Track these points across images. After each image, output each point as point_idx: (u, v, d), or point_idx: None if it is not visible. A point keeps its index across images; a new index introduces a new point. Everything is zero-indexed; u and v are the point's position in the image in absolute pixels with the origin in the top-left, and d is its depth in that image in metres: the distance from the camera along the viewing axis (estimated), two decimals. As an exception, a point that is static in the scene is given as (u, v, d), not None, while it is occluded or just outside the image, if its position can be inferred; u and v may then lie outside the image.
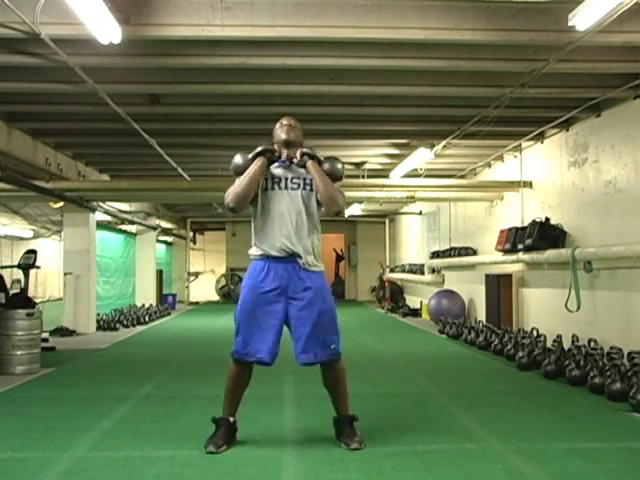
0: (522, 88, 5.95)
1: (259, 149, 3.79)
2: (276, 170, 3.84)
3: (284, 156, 3.86)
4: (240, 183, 3.72)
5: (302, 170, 3.82)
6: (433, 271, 13.24)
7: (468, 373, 6.68)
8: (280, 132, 3.89)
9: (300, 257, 3.71)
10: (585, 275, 7.01)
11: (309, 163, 3.77)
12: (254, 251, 3.82)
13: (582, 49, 5.10)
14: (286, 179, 3.80)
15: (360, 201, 12.81)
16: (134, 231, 15.33)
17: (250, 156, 3.80)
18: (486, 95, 6.54)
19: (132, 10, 4.50)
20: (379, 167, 10.94)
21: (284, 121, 3.94)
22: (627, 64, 5.55)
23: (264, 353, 3.67)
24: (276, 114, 7.52)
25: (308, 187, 3.80)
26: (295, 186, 3.79)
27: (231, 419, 3.78)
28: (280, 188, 3.78)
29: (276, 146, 3.90)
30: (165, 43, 5.10)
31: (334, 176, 3.85)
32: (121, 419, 4.52)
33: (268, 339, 3.67)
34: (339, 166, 3.92)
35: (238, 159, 3.85)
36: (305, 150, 3.81)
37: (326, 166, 3.84)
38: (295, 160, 3.82)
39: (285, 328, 3.78)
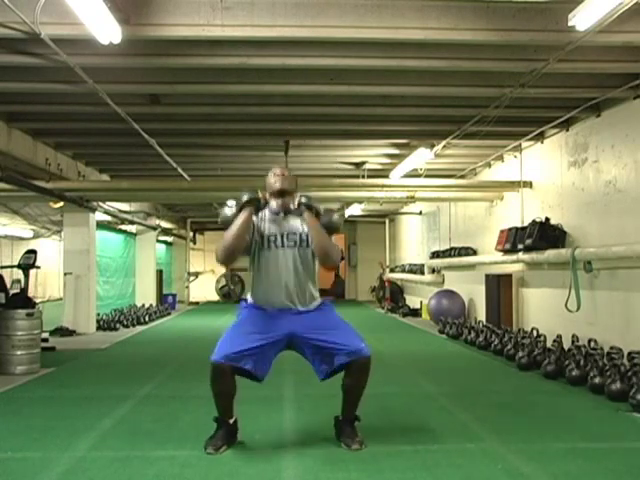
0: (522, 88, 5.95)
1: (244, 199, 3.69)
2: (271, 226, 3.77)
3: (275, 205, 3.78)
4: (227, 238, 3.64)
5: (297, 224, 3.77)
6: (433, 271, 13.24)
7: (468, 373, 6.68)
8: (274, 181, 3.80)
9: (299, 306, 3.72)
10: (585, 275, 7.01)
11: (306, 215, 3.71)
12: (252, 300, 3.81)
13: (582, 49, 5.10)
14: (282, 236, 3.74)
15: (360, 201, 12.81)
16: (134, 231, 15.33)
17: (236, 209, 3.71)
18: (486, 95, 6.54)
19: (132, 10, 4.49)
20: (379, 167, 10.93)
21: (277, 171, 3.85)
22: (627, 64, 5.55)
23: (220, 354, 3.59)
24: (276, 114, 7.63)
25: (304, 243, 3.75)
26: (292, 243, 3.73)
27: (230, 421, 3.78)
28: (277, 247, 3.72)
29: (267, 195, 3.82)
30: (165, 43, 5.10)
31: (331, 229, 3.79)
32: (121, 419, 4.52)
33: (239, 344, 3.61)
34: (336, 218, 3.86)
35: (226, 212, 3.79)
36: (303, 201, 3.74)
37: (324, 220, 3.76)
38: (292, 207, 3.76)
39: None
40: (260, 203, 3.74)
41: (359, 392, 3.76)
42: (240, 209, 3.69)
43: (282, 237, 3.74)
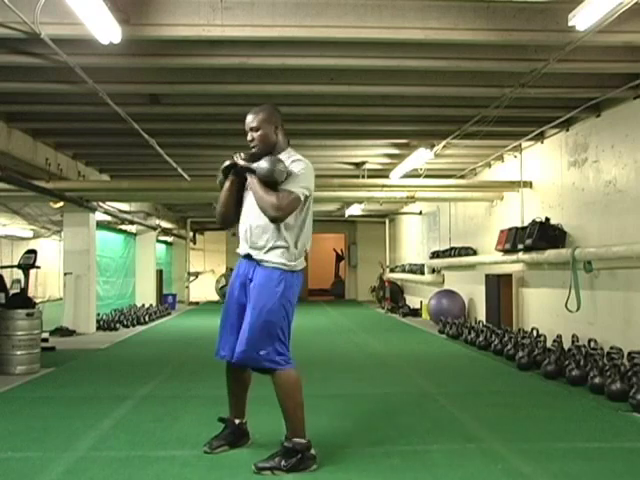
0: (522, 88, 5.95)
1: (223, 165, 3.67)
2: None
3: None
4: (218, 204, 3.73)
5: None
6: (433, 271, 13.24)
7: (468, 373, 6.68)
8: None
9: (252, 255, 3.57)
10: (585, 275, 7.01)
11: (248, 180, 3.58)
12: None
13: (582, 49, 5.10)
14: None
15: (360, 201, 12.81)
16: (134, 231, 15.33)
17: (221, 177, 3.70)
18: (486, 95, 6.54)
19: (132, 10, 4.49)
20: (379, 167, 10.93)
21: (249, 120, 3.87)
22: (627, 64, 5.55)
23: (226, 350, 3.58)
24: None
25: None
26: None
27: (236, 421, 3.77)
28: (249, 190, 3.68)
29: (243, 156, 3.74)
30: (165, 43, 5.09)
31: (270, 181, 3.49)
32: (121, 419, 4.52)
33: (231, 335, 3.57)
34: (265, 168, 3.50)
35: (221, 176, 3.75)
36: (241, 164, 3.60)
37: (259, 174, 3.51)
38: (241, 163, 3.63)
39: None
40: (237, 168, 3.62)
41: (284, 404, 3.50)
42: (225, 176, 3.70)
43: None
